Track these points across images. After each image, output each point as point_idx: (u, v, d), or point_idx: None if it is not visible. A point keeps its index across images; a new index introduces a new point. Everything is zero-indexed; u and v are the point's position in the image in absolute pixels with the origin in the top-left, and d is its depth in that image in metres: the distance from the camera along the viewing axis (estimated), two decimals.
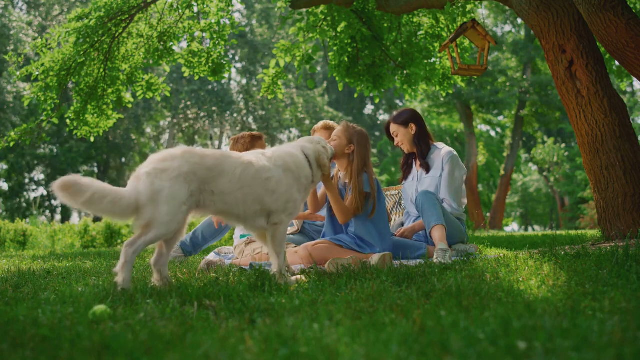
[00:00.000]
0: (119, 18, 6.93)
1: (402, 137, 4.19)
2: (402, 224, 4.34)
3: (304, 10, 7.29)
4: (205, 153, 2.64)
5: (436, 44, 7.61)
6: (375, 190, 3.55)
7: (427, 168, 4.12)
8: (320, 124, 4.44)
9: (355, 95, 8.56)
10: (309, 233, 4.30)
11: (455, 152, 4.13)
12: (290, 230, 4.42)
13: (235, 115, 27.78)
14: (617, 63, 8.21)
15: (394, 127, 4.22)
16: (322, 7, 7.13)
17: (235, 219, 2.75)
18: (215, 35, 7.65)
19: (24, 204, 26.50)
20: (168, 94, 8.29)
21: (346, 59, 7.28)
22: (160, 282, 2.56)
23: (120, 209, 2.38)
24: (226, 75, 8.03)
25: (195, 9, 7.67)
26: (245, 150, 4.18)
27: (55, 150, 25.52)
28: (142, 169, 2.51)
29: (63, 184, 2.28)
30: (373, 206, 3.55)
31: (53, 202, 28.78)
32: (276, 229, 2.79)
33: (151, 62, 7.59)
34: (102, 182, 2.43)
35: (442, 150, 4.13)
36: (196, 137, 32.19)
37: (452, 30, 7.21)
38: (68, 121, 7.67)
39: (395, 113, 4.31)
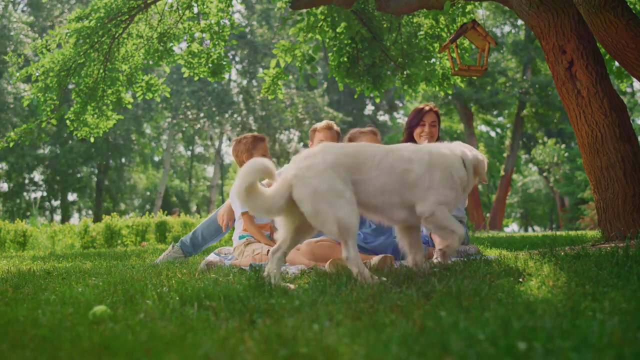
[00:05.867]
0: (118, 19, 6.93)
1: (436, 132, 4.29)
2: None
3: (304, 10, 7.29)
4: (344, 144, 2.70)
5: (436, 45, 7.61)
6: None
7: None
8: (323, 123, 4.43)
9: (355, 96, 8.57)
10: None
11: None
12: None
13: (235, 115, 27.77)
14: (617, 64, 8.21)
15: (436, 118, 4.30)
16: (321, 8, 7.14)
17: (374, 210, 2.72)
18: (215, 36, 7.65)
19: (24, 205, 26.50)
20: (168, 95, 8.29)
21: (346, 59, 7.29)
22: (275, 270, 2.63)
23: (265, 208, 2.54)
24: (226, 75, 8.03)
25: (195, 10, 7.67)
26: (246, 150, 4.18)
27: (55, 151, 25.51)
28: (289, 172, 2.55)
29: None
30: None
31: (53, 202, 28.79)
32: (434, 221, 2.67)
33: (151, 62, 7.59)
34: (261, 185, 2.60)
35: None
36: (196, 137, 32.18)
37: (452, 31, 7.21)
38: (68, 122, 7.67)
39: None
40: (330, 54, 7.47)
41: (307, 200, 2.45)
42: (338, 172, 2.52)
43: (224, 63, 7.84)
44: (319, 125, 4.43)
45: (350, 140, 4.06)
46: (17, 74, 7.11)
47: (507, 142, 24.94)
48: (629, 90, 26.22)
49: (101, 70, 7.37)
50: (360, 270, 2.45)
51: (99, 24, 6.74)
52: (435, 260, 3.36)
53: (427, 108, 4.30)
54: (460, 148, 2.92)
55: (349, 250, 2.48)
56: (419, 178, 2.66)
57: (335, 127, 4.37)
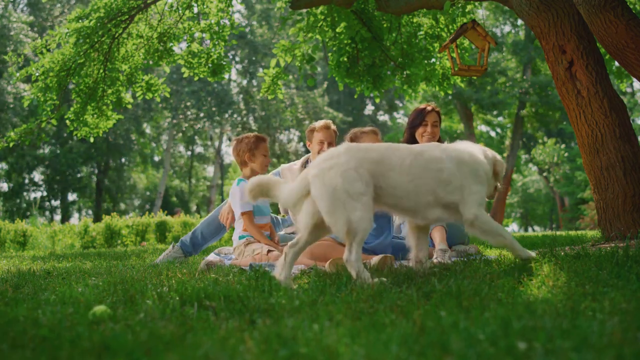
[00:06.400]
0: (118, 19, 6.93)
1: (438, 132, 4.31)
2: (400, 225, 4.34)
3: (304, 10, 7.29)
4: (369, 147, 2.66)
5: (436, 44, 7.61)
6: None
7: None
8: (321, 123, 4.43)
9: (355, 96, 8.57)
10: None
11: None
12: (289, 229, 4.41)
13: (235, 115, 27.77)
14: (617, 64, 8.21)
15: (438, 118, 4.32)
16: (321, 8, 7.13)
17: (405, 212, 2.71)
18: (215, 36, 7.65)
19: (24, 205, 26.50)
20: (167, 95, 8.29)
21: (345, 59, 7.28)
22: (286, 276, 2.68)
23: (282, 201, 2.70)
24: (226, 75, 8.03)
25: (195, 10, 7.66)
26: (248, 150, 4.17)
27: (55, 151, 25.51)
28: (310, 171, 2.55)
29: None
30: None
31: (53, 202, 28.78)
32: (480, 226, 2.67)
33: (151, 62, 7.59)
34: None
35: None
36: (196, 137, 32.17)
37: (452, 31, 7.21)
38: (68, 122, 7.67)
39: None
40: (330, 54, 7.46)
41: (325, 198, 2.46)
42: (362, 176, 2.51)
43: (224, 63, 7.84)
44: (317, 124, 4.43)
45: (352, 140, 4.05)
46: (17, 74, 7.10)
47: (507, 142, 24.94)
48: (629, 90, 26.22)
49: (101, 70, 7.37)
50: (359, 274, 2.45)
51: (99, 24, 6.73)
52: (435, 260, 3.36)
53: (429, 108, 4.31)
54: (479, 147, 2.98)
55: (352, 252, 2.47)
56: (452, 174, 2.67)
57: (333, 126, 4.38)
